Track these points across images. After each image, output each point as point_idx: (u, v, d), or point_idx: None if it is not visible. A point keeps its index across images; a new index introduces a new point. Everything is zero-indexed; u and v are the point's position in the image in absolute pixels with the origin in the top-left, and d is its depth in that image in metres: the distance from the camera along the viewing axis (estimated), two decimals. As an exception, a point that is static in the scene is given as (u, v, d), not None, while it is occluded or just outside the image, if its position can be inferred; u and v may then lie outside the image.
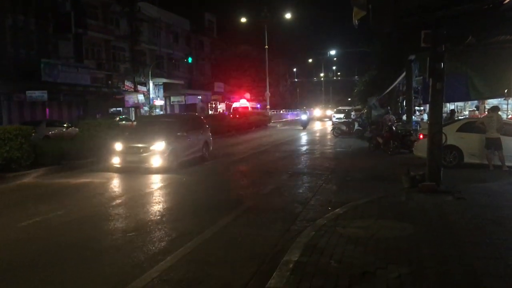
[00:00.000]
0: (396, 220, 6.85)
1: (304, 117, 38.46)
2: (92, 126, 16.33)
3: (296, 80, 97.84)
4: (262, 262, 5.48)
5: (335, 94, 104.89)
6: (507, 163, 11.73)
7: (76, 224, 7.51)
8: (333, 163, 14.71)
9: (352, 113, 36.36)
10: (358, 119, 29.33)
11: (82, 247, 6.21)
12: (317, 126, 44.28)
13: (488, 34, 11.04)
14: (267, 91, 45.99)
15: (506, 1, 8.33)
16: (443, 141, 10.19)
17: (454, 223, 6.60)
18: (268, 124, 42.25)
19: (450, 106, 21.41)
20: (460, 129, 12.91)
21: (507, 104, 17.79)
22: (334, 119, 39.58)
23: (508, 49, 13.23)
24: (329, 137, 27.25)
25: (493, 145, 11.75)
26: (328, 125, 39.39)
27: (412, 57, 17.86)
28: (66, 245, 6.32)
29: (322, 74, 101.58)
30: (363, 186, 10.38)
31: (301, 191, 10.11)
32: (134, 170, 12.85)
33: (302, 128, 36.48)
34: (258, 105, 52.29)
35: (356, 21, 9.18)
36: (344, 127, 27.50)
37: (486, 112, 17.56)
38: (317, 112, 65.85)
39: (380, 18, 7.62)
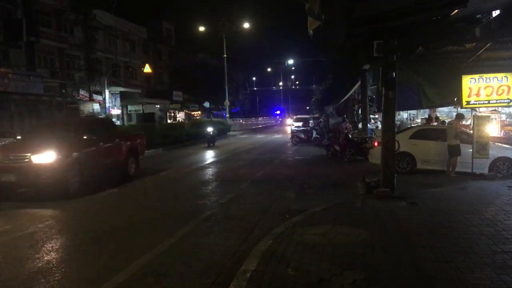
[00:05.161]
0: (352, 226, 6.96)
1: None
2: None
3: (255, 89, 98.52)
4: (220, 273, 5.43)
5: (293, 102, 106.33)
6: (461, 169, 12.11)
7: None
8: (292, 171, 14.83)
9: (310, 121, 36.86)
10: (316, 127, 29.77)
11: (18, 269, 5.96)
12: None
13: (437, 44, 11.51)
14: (227, 100, 45.95)
15: (453, 13, 8.71)
16: (396, 148, 10.47)
17: (407, 228, 6.77)
18: (228, 133, 42.19)
19: (403, 114, 22.09)
20: (412, 136, 13.30)
21: (457, 112, 18.48)
22: (293, 128, 39.78)
23: (456, 58, 13.82)
24: (287, 145, 27.47)
25: (454, 151, 12.09)
26: None
27: (367, 66, 18.32)
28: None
29: (281, 83, 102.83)
30: (321, 193, 10.51)
31: (260, 199, 10.10)
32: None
33: None
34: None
35: (311, 31, 9.35)
36: (302, 135, 27.85)
37: (434, 120, 18.25)
38: None
39: (333, 28, 7.78)
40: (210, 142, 26.45)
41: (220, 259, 5.95)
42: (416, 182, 11.21)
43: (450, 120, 14.52)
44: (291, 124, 54.79)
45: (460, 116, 12.72)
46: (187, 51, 57.34)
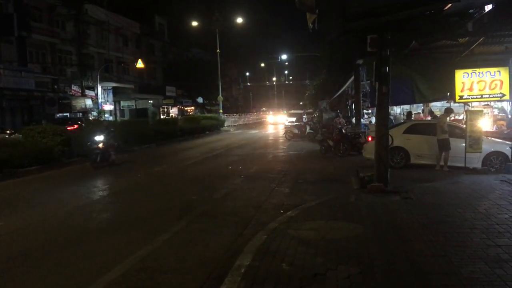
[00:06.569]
0: (346, 221, 6.97)
1: None
2: (36, 132, 15.68)
3: (249, 84, 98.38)
4: (214, 268, 5.41)
5: (287, 98, 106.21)
6: (454, 164, 12.15)
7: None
8: (286, 166, 14.82)
9: (304, 116, 36.85)
10: (309, 122, 29.76)
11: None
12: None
13: (430, 38, 11.52)
14: (220, 95, 45.81)
15: (446, 7, 8.72)
16: (390, 143, 10.48)
17: (401, 222, 6.79)
18: (221, 128, 42.09)
19: (396, 109, 22.14)
20: (406, 131, 13.32)
21: (449, 107, 18.55)
22: (286, 123, 39.63)
23: (449, 53, 13.85)
24: (281, 140, 27.45)
25: (443, 145, 12.12)
26: None
27: (360, 61, 18.33)
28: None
29: (274, 78, 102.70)
30: (315, 188, 10.51)
31: (254, 194, 10.08)
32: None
33: None
34: None
35: (311, 25, 9.29)
36: (296, 130, 27.81)
37: (428, 115, 18.34)
38: None
39: (328, 22, 7.75)
40: (99, 161, 14.91)
41: (215, 254, 5.94)
42: (409, 176, 11.23)
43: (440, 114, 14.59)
44: (272, 123, 55.02)
45: (448, 111, 12.80)
46: (180, 46, 57.10)
